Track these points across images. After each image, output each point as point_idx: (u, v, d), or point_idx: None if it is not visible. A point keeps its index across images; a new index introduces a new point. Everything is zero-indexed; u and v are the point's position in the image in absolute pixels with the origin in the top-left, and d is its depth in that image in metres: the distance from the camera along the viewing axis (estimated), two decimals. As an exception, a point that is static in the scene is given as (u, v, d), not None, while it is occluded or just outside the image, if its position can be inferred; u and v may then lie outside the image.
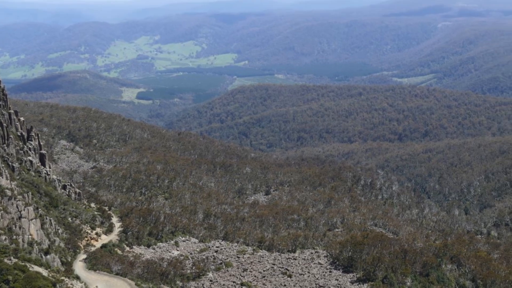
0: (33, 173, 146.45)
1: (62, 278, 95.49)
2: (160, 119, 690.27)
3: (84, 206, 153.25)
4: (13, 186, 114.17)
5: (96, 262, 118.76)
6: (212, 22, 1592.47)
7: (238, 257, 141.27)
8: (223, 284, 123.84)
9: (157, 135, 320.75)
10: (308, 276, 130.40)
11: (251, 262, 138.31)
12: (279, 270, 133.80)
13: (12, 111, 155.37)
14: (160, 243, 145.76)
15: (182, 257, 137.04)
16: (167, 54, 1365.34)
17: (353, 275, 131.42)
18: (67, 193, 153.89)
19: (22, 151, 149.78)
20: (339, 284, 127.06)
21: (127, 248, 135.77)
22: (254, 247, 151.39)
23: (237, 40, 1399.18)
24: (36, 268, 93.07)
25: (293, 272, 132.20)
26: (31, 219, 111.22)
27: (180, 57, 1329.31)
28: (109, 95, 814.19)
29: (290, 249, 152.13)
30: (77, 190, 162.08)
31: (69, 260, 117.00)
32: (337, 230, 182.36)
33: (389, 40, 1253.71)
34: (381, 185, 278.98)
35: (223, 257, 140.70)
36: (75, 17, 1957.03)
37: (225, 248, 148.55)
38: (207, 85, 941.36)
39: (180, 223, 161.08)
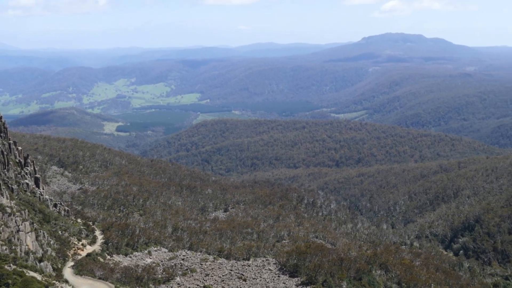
0: (29, 194, 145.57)
1: (54, 282, 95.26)
2: (136, 148, 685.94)
3: (72, 221, 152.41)
4: (12, 204, 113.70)
5: (82, 268, 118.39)
6: (179, 67, 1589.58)
7: (201, 264, 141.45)
8: (189, 287, 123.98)
9: (133, 162, 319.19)
10: (260, 280, 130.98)
11: (212, 268, 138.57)
12: (236, 275, 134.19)
13: (11, 141, 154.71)
14: (136, 252, 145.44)
15: (154, 264, 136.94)
16: (141, 93, 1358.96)
17: (298, 279, 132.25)
18: (57, 210, 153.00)
19: (20, 175, 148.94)
20: (286, 286, 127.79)
21: (108, 257, 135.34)
22: (215, 256, 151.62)
23: (201, 82, 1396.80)
24: (32, 274, 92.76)
25: (247, 277, 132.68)
26: (28, 232, 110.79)
27: (153, 96, 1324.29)
28: (93, 128, 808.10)
29: (245, 257, 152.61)
30: (66, 208, 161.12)
31: (59, 266, 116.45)
32: (284, 241, 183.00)
33: (328, 82, 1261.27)
34: (321, 203, 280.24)
35: (189, 264, 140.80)
36: (64, 62, 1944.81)
37: (190, 257, 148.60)
38: (175, 120, 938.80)
39: (152, 236, 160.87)
